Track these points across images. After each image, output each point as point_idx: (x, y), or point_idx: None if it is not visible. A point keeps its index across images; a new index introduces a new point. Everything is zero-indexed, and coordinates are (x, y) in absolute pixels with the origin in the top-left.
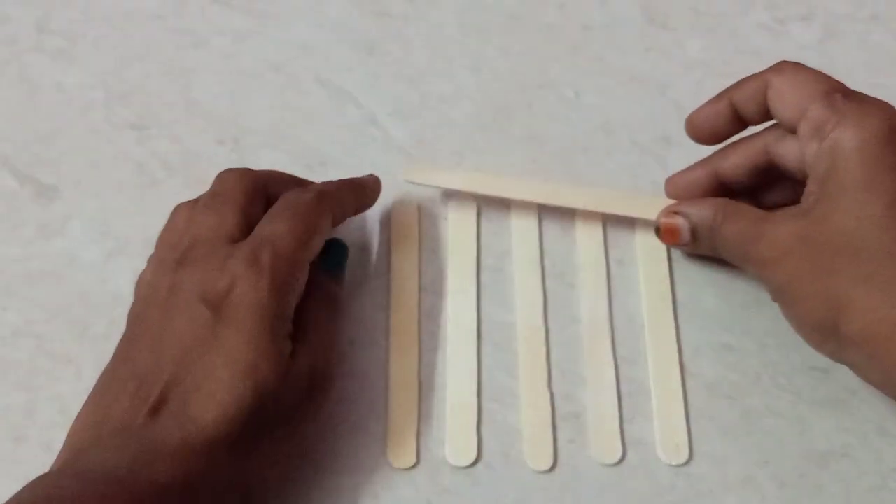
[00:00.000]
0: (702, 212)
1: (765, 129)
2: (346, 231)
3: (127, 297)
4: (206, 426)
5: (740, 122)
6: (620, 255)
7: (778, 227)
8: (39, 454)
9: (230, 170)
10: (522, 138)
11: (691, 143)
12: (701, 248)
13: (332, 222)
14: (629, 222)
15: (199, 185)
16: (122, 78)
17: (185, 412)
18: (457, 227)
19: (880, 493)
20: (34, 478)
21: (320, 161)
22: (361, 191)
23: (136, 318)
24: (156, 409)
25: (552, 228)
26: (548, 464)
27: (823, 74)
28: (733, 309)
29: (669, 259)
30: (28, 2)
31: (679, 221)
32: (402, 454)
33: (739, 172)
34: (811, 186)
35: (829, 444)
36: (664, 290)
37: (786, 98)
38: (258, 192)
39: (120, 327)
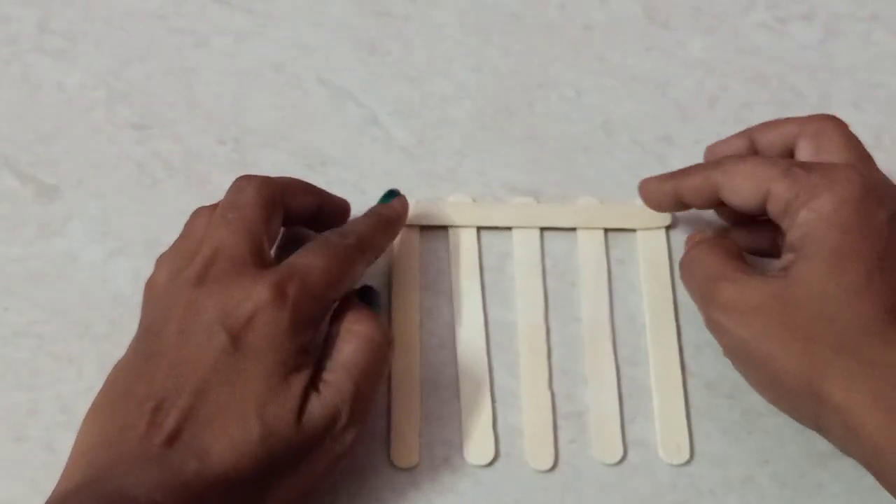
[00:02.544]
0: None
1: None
2: None
3: (127, 297)
4: (221, 461)
5: (684, 204)
6: (621, 254)
7: (753, 280)
8: (41, 454)
9: (248, 178)
10: (523, 138)
11: (692, 143)
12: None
13: (367, 265)
14: None
15: (199, 185)
16: (122, 78)
17: (200, 444)
18: (458, 227)
19: (880, 493)
20: (53, 495)
21: (321, 161)
22: (394, 228)
23: (152, 330)
24: (172, 438)
25: (553, 228)
26: (549, 463)
27: (768, 158)
28: None
29: (670, 259)
30: (29, 2)
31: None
32: (405, 454)
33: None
34: (787, 253)
35: (829, 444)
36: (665, 289)
37: (742, 191)
38: (277, 205)
39: (121, 327)
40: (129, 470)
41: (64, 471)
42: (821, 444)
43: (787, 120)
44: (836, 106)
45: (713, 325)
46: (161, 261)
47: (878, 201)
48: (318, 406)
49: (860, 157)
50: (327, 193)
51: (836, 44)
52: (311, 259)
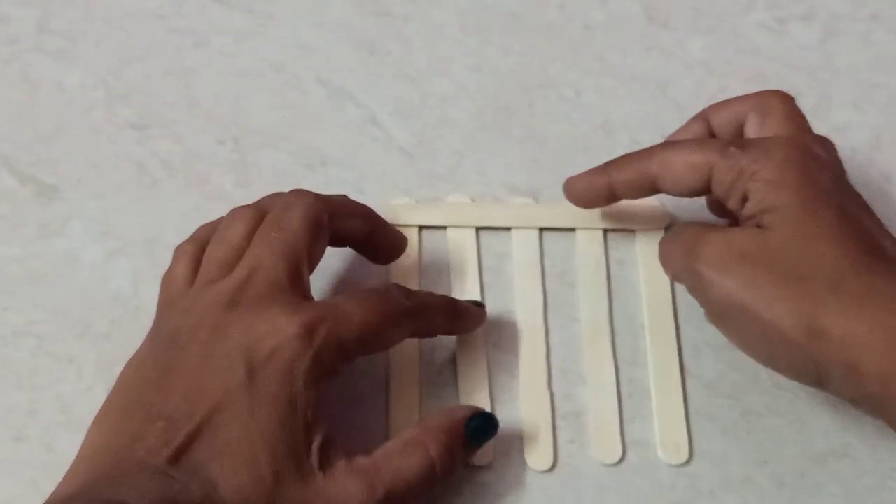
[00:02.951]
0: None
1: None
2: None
3: (127, 297)
4: (226, 501)
5: (617, 198)
6: (621, 255)
7: (736, 231)
8: (40, 454)
9: (299, 195)
10: (522, 138)
11: None
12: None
13: (410, 335)
14: None
15: (199, 184)
16: (122, 78)
17: (207, 473)
18: (457, 227)
19: (880, 492)
20: (51, 497)
21: (321, 161)
22: (459, 319)
23: (176, 342)
24: (177, 456)
25: (552, 228)
26: (548, 464)
27: (699, 141)
28: None
29: None
30: (28, 2)
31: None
32: None
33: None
34: (746, 221)
35: (828, 444)
36: (664, 290)
37: (681, 180)
38: (323, 228)
39: (121, 327)
40: (130, 480)
41: (67, 472)
42: (820, 444)
43: (739, 98)
44: (835, 106)
45: (698, 281)
46: (184, 255)
47: (818, 162)
48: (340, 480)
49: (800, 128)
50: (382, 220)
51: (836, 44)
52: (353, 306)
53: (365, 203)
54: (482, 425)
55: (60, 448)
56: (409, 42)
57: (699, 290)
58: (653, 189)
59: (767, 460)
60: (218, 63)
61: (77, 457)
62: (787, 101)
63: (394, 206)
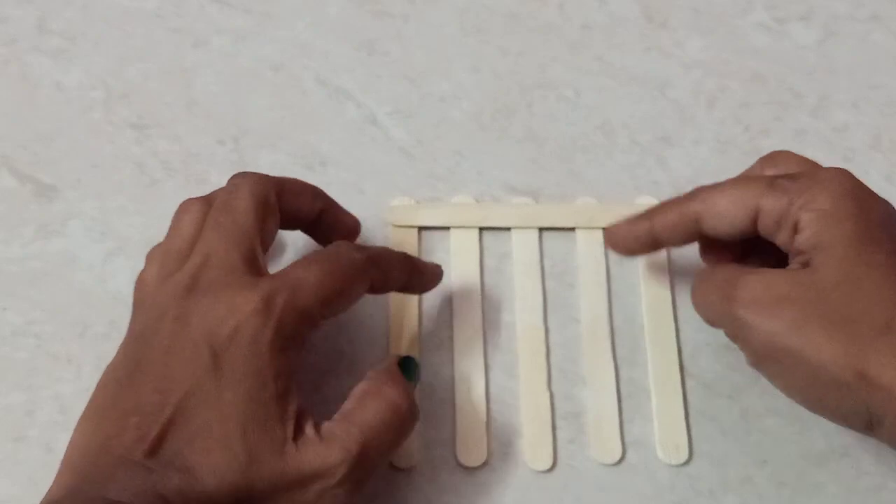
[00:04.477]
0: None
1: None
2: None
3: (126, 297)
4: (205, 483)
5: (660, 245)
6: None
7: (775, 272)
8: (39, 454)
9: (243, 176)
10: (522, 138)
11: (691, 143)
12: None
13: (369, 290)
14: None
15: (198, 184)
16: (121, 78)
17: (182, 461)
18: (457, 228)
19: (879, 493)
20: (42, 502)
21: (320, 161)
22: (417, 273)
23: (142, 338)
24: (154, 449)
25: (552, 228)
26: (548, 464)
27: (744, 178)
28: None
29: (669, 260)
30: (28, 2)
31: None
32: (403, 454)
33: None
34: (796, 256)
35: (828, 444)
36: (664, 290)
37: (727, 216)
38: (271, 207)
39: (120, 327)
40: (113, 477)
41: (55, 477)
42: (819, 444)
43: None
44: (834, 106)
45: (739, 326)
46: (151, 257)
47: (871, 194)
48: (312, 448)
49: (767, 179)
50: (333, 201)
51: (835, 44)
52: (306, 271)
53: (364, 203)
54: (408, 363)
55: (59, 448)
56: (409, 42)
57: (740, 334)
58: (696, 231)
59: (767, 460)
60: (217, 63)
61: (62, 461)
62: (713, 187)
63: (394, 207)
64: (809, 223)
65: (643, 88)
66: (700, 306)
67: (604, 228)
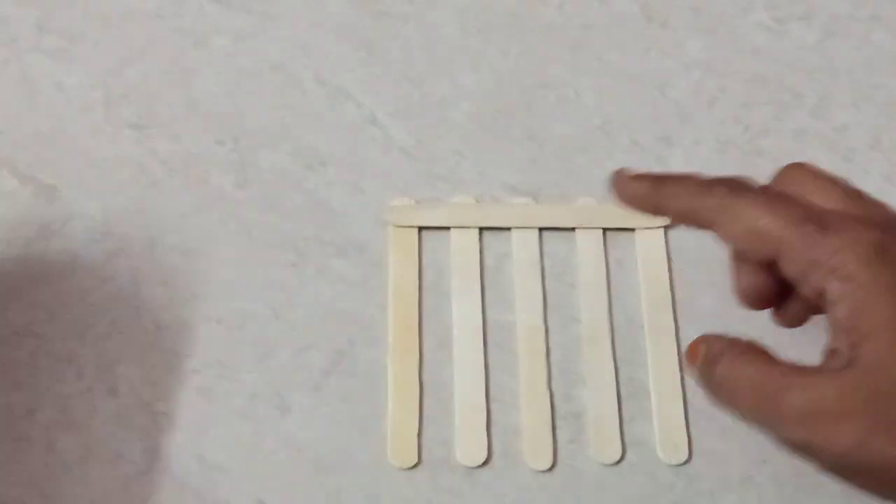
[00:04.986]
0: (714, 342)
1: None
2: (347, 231)
3: (127, 297)
4: None
5: (663, 217)
6: (620, 255)
7: (819, 379)
8: (40, 454)
9: None
10: (522, 138)
11: (691, 143)
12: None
13: None
14: None
15: (198, 185)
16: (122, 78)
17: None
18: (457, 228)
19: None
20: None
21: (320, 161)
22: None
23: None
24: None
25: (552, 228)
26: (548, 463)
27: (773, 202)
28: (732, 309)
29: (669, 259)
30: (28, 2)
31: (700, 346)
32: (403, 454)
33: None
34: (838, 334)
35: None
36: (664, 290)
37: (741, 242)
38: None
39: (120, 327)
40: None
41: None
42: None
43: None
44: (834, 106)
45: (795, 446)
46: None
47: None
48: None
49: (800, 217)
50: None
51: (835, 44)
52: None
53: (364, 203)
54: None
55: (60, 448)
56: (409, 42)
57: (795, 452)
58: (704, 227)
59: (766, 460)
60: (217, 63)
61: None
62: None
63: (394, 207)
64: (842, 297)
65: (643, 88)
66: (731, 411)
67: (615, 172)
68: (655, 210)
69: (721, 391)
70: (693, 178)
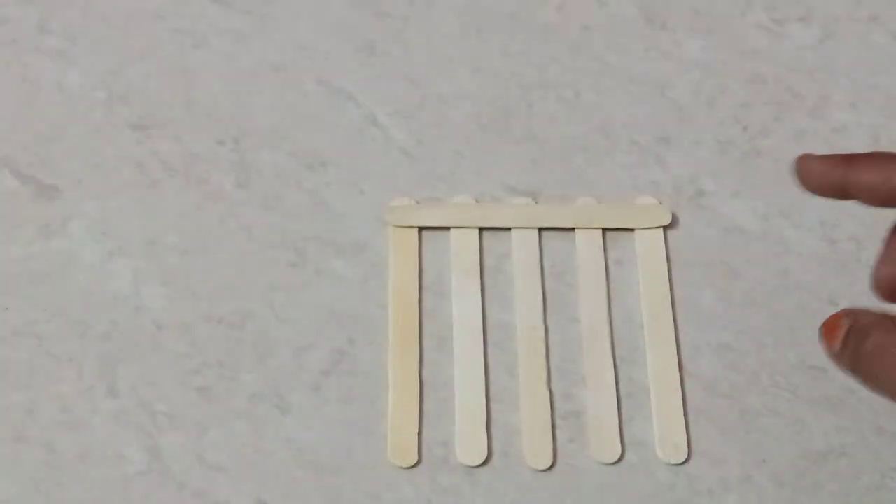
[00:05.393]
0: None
1: None
2: (347, 231)
3: (127, 297)
4: None
5: (850, 197)
6: (619, 255)
7: None
8: (40, 454)
9: None
10: (522, 138)
11: (690, 143)
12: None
13: None
14: None
15: (199, 185)
16: (122, 78)
17: None
18: (457, 228)
19: (878, 492)
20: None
21: (320, 161)
22: None
23: None
24: None
25: (552, 228)
26: (547, 463)
27: None
28: (732, 309)
29: (668, 259)
30: (28, 2)
31: (842, 321)
32: (403, 453)
33: None
34: None
35: (827, 443)
36: (663, 289)
37: None
38: None
39: (120, 327)
40: None
41: None
42: (819, 443)
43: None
44: (833, 107)
45: None
46: None
47: None
48: None
49: None
50: None
51: (834, 45)
52: None
53: (364, 203)
54: None
55: (60, 448)
56: (409, 43)
57: None
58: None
59: (766, 460)
60: (217, 63)
61: None
62: None
63: (394, 207)
64: None
65: (643, 88)
66: (878, 389)
67: (799, 157)
68: (843, 190)
69: (872, 365)
70: (885, 153)
